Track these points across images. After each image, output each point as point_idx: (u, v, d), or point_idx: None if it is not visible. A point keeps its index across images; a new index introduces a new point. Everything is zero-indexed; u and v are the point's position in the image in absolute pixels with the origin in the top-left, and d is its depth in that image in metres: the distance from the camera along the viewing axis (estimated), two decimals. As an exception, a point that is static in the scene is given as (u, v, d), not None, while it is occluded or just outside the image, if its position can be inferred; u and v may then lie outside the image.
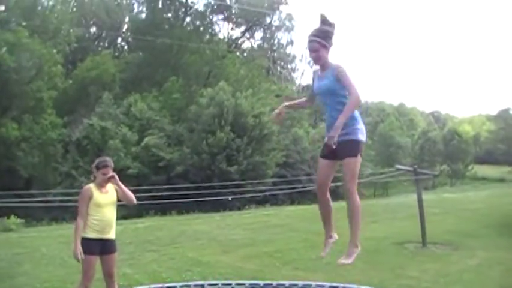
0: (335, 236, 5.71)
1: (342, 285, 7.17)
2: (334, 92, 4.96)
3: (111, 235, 6.11)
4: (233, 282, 7.44)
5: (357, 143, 5.00)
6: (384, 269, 12.77)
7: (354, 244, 5.41)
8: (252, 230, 18.88)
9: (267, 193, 32.15)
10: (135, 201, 6.39)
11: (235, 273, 11.34)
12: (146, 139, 37.01)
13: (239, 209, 29.20)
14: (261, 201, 32.38)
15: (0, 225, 21.22)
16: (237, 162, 35.15)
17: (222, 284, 7.30)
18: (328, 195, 5.45)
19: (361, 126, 5.06)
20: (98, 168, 6.06)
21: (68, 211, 27.85)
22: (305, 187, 33.81)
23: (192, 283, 7.25)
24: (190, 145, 36.55)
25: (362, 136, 5.05)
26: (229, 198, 28.78)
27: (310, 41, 4.96)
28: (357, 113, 5.04)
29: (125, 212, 28.19)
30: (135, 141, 37.18)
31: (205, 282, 7.33)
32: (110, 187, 6.15)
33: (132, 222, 20.31)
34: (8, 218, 21.57)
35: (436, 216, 19.65)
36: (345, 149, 4.98)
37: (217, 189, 28.59)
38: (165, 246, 15.63)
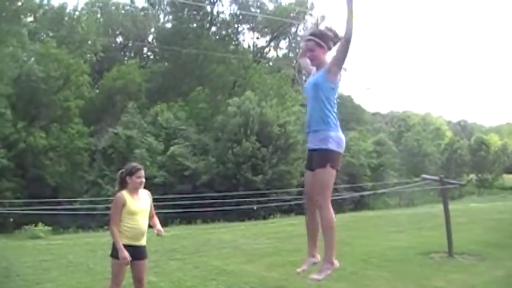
0: (317, 257, 5.34)
1: (366, 295, 7.13)
2: (319, 85, 4.84)
3: (143, 242, 6.14)
4: (258, 290, 7.46)
5: (326, 152, 4.74)
6: (409, 279, 12.66)
7: (328, 261, 5.11)
8: (277, 239, 18.85)
9: (292, 202, 32.11)
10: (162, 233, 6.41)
11: (259, 282, 11.35)
12: (172, 148, 37.22)
13: (264, 218, 29.20)
14: (286, 211, 32.35)
15: (28, 232, 21.49)
16: (262, 172, 35.15)
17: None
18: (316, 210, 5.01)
19: (335, 134, 4.80)
20: (131, 173, 6.02)
21: (94, 219, 28.15)
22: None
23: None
24: (215, 154, 36.67)
25: (334, 145, 4.77)
26: (254, 208, 28.78)
27: (307, 40, 4.94)
28: (332, 119, 4.82)
29: (151, 220, 28.25)
30: (160, 150, 37.42)
31: (230, 291, 7.35)
32: (143, 194, 6.15)
33: (158, 231, 20.35)
34: (36, 225, 21.84)
35: (462, 225, 19.44)
36: (315, 158, 4.82)
37: (242, 198, 28.64)
38: (190, 255, 15.66)
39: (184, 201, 24.12)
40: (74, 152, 35.49)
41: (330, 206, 4.88)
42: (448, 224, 15.84)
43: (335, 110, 4.85)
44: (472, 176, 61.46)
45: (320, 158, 4.75)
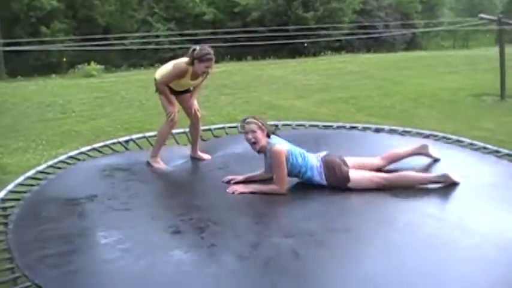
0: None
1: (415, 130, 7.09)
2: None
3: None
4: (307, 123, 7.48)
5: None
6: (459, 120, 12.64)
7: None
8: (327, 76, 18.82)
9: (343, 38, 31.66)
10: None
11: (309, 117, 11.39)
12: (221, -16, 36.43)
13: (314, 55, 28.96)
14: (337, 49, 32.00)
15: (81, 71, 21.91)
16: (313, 8, 34.37)
17: (296, 125, 7.36)
18: None
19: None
20: (201, 60, 5.75)
21: (145, 57, 28.37)
22: (381, 34, 33.13)
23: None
24: (266, -10, 35.83)
25: None
26: (305, 44, 28.46)
27: (247, 123, 4.84)
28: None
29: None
30: (210, -14, 36.69)
31: (279, 122, 7.40)
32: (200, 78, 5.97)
33: (208, 67, 20.47)
34: (89, 64, 22.18)
35: (518, 70, 18.95)
36: None
37: (293, 33, 28.27)
38: (240, 90, 15.85)
39: (234, 35, 23.89)
40: (123, -10, 35.11)
41: None
42: (502, 67, 15.46)
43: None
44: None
45: None
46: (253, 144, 4.81)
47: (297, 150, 4.83)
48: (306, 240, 3.81)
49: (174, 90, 5.87)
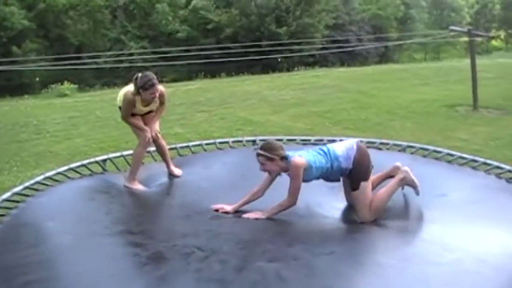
0: None
1: (392, 142, 7.10)
2: None
3: None
4: (284, 137, 7.47)
5: None
6: (433, 131, 12.77)
7: None
8: (301, 91, 18.89)
9: (316, 52, 31.91)
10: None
11: (285, 131, 11.47)
12: (194, 1, 36.37)
13: (288, 70, 29.11)
14: (310, 63, 32.23)
15: (54, 91, 21.80)
16: (286, 24, 34.69)
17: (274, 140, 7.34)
18: None
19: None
20: (144, 88, 5.76)
21: (118, 76, 28.28)
22: (354, 47, 33.45)
23: (243, 138, 7.31)
24: (238, 7, 35.95)
25: None
26: (279, 59, 28.61)
27: (257, 155, 4.71)
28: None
29: (175, 75, 28.41)
30: (182, 4, 36.66)
31: (257, 138, 7.37)
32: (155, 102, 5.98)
33: (183, 85, 20.48)
34: (62, 84, 22.05)
35: (488, 80, 19.19)
36: None
37: (266, 49, 28.45)
38: (215, 107, 15.83)
39: (208, 52, 23.98)
40: (95, 9, 35.00)
41: None
42: (474, 78, 15.68)
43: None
44: (502, 31, 59.12)
45: None
46: (268, 172, 4.76)
47: (316, 153, 4.74)
48: (290, 264, 3.78)
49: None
